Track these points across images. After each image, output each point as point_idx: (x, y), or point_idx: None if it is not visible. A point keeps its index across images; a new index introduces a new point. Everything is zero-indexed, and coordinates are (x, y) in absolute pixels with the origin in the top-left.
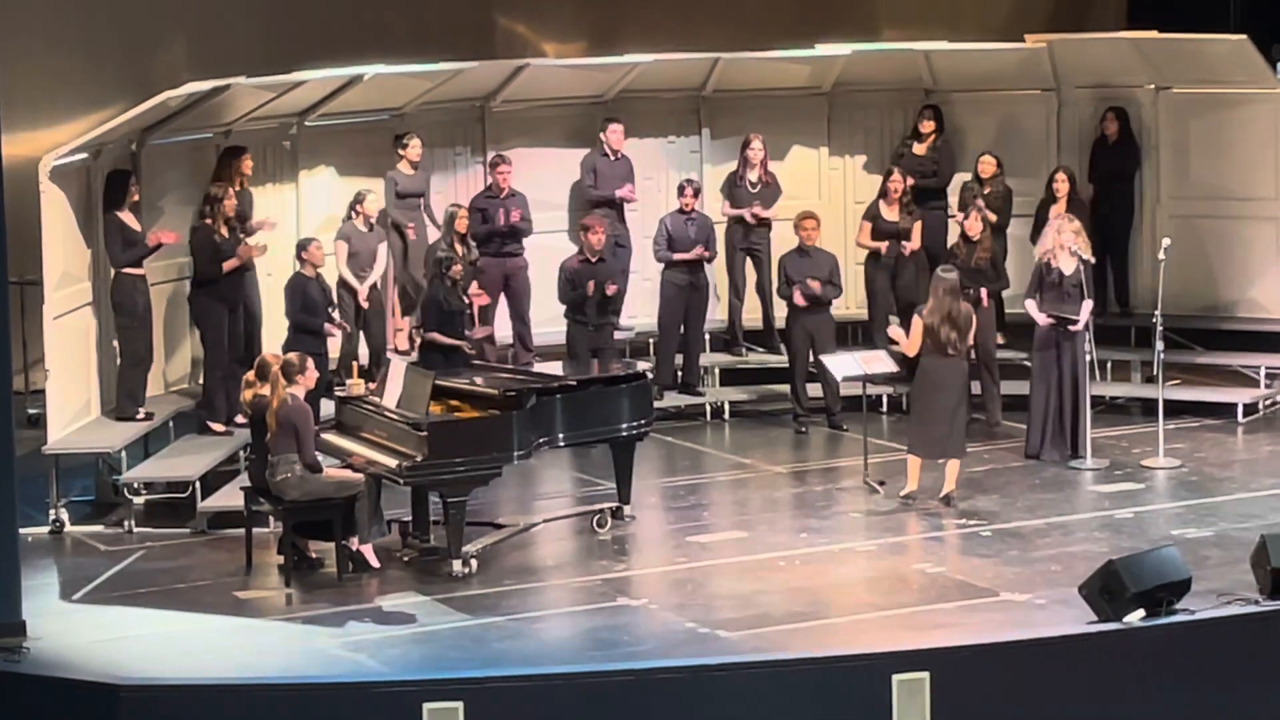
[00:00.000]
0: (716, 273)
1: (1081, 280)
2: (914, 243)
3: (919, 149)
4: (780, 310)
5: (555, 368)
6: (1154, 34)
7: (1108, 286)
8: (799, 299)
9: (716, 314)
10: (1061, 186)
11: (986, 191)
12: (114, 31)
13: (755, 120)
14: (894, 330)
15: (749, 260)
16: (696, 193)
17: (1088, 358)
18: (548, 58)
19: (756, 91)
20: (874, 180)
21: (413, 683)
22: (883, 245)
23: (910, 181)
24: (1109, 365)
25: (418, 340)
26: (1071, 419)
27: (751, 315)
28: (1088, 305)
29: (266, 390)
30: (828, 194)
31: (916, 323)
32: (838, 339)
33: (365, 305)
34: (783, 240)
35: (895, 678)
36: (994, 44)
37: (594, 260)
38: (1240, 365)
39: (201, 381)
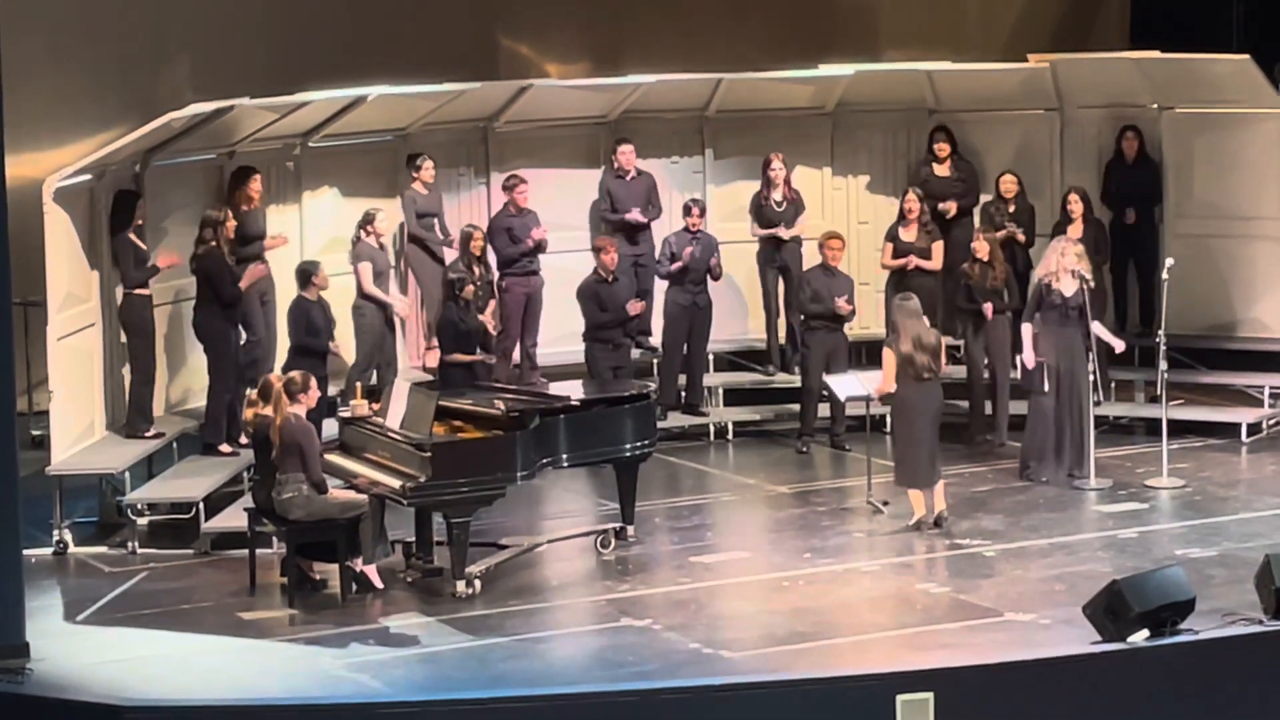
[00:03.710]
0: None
1: (1083, 302)
2: (934, 262)
3: (941, 170)
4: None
5: (575, 386)
6: (1156, 54)
7: (1126, 308)
8: (843, 306)
9: (725, 333)
10: (1075, 207)
11: (1011, 210)
12: (117, 52)
13: (759, 141)
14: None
15: (781, 278)
16: (702, 212)
17: (1092, 378)
18: (551, 78)
19: (760, 112)
20: (878, 200)
21: (416, 704)
22: (904, 260)
23: (952, 208)
24: (1113, 385)
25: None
26: (1069, 438)
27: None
28: (1097, 326)
29: (268, 410)
30: (831, 214)
31: (888, 355)
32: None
33: (404, 316)
34: (810, 259)
35: (899, 698)
36: (997, 64)
37: (609, 280)
38: (1244, 385)
39: (206, 403)
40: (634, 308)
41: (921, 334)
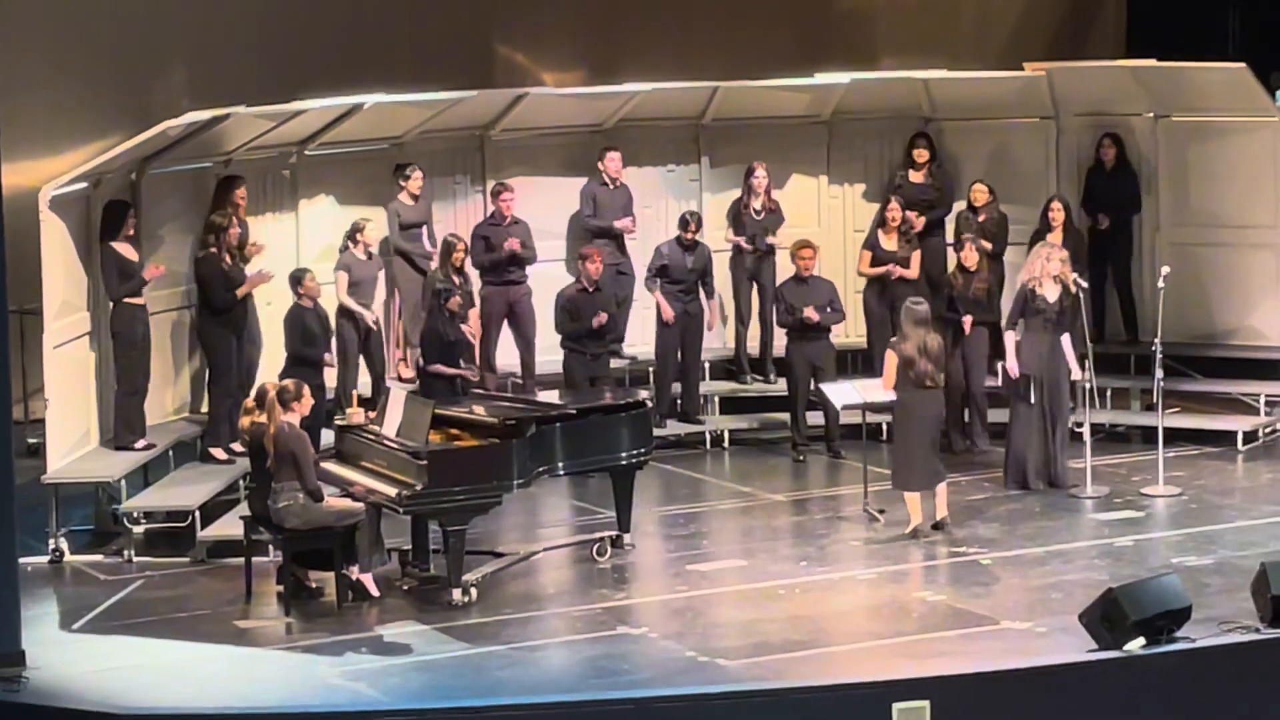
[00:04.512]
0: (725, 300)
1: (1064, 309)
2: (912, 271)
3: (916, 176)
4: (779, 339)
5: (553, 396)
6: (1152, 62)
7: (1106, 314)
8: (811, 315)
9: (716, 341)
10: (1057, 215)
11: (981, 219)
12: (114, 61)
13: (754, 149)
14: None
15: (754, 288)
16: (699, 226)
17: (1089, 385)
18: (547, 87)
19: (756, 120)
20: (874, 208)
21: (412, 712)
22: (884, 268)
23: (920, 221)
24: (1109, 393)
25: (414, 370)
26: (1054, 445)
27: (753, 343)
28: (1066, 339)
29: (264, 418)
30: (827, 222)
31: (890, 357)
32: (838, 367)
33: (374, 328)
34: (786, 270)
35: (895, 706)
36: (993, 72)
37: (592, 289)
38: (1240, 393)
39: (206, 409)
40: (598, 320)
41: (927, 341)
